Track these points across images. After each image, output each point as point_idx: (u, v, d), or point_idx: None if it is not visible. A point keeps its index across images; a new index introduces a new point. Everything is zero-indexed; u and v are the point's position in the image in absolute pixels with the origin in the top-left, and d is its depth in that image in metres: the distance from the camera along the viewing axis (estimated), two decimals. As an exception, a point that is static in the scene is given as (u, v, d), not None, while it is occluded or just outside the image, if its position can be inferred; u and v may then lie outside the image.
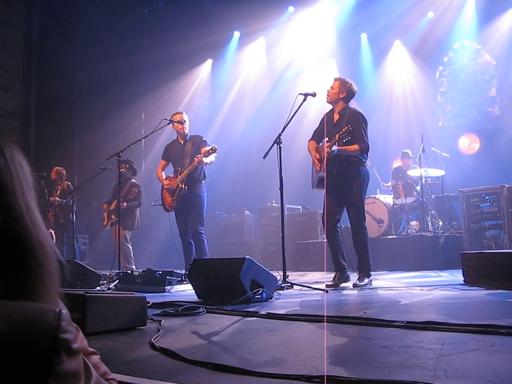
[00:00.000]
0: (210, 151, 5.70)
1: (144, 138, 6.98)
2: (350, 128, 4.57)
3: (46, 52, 10.63)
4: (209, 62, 12.30)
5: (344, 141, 4.60)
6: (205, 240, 5.95)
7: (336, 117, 4.99)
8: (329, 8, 10.88)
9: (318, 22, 11.02)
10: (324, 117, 5.14)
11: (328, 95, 5.00)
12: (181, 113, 6.27)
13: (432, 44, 10.40)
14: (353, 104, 5.24)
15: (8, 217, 0.70)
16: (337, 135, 4.63)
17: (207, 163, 5.83)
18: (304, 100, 4.87)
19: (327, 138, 4.78)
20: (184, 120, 6.10)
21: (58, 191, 8.40)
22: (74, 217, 8.14)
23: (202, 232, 5.94)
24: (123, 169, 7.15)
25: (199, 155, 5.72)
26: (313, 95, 4.88)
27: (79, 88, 11.16)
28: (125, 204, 7.31)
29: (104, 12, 11.32)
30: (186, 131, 6.13)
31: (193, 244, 5.97)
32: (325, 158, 4.70)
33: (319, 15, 10.98)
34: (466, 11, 10.00)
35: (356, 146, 4.69)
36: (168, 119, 6.10)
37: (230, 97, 11.96)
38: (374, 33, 10.78)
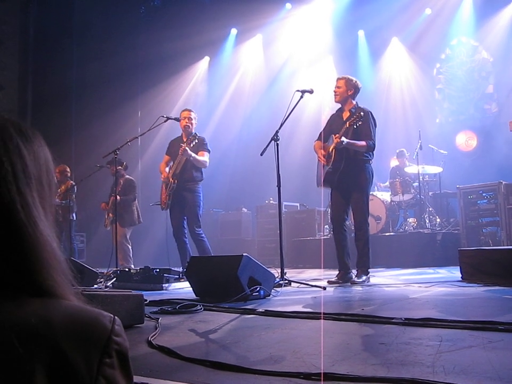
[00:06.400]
0: (192, 138, 5.63)
1: (141, 135, 6.94)
2: (362, 113, 4.59)
3: (42, 49, 10.59)
4: (206, 59, 12.27)
5: (355, 126, 4.64)
6: (204, 239, 5.87)
7: (347, 114, 5.01)
8: (326, 5, 10.89)
9: (315, 19, 11.03)
10: (330, 117, 5.18)
11: (336, 95, 5.01)
12: (188, 110, 6.10)
13: (429, 41, 10.40)
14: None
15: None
16: (348, 122, 4.67)
17: (190, 155, 5.60)
18: (302, 96, 4.87)
19: (333, 135, 4.79)
20: (182, 118, 6.02)
21: (62, 191, 8.05)
22: (75, 217, 8.08)
23: (200, 232, 5.85)
24: (120, 167, 7.11)
25: (183, 144, 5.60)
26: (311, 91, 4.89)
27: (76, 86, 11.12)
28: (118, 196, 7.20)
29: (100, 9, 11.27)
30: (190, 129, 5.98)
31: (187, 242, 5.93)
32: (333, 149, 4.72)
33: (316, 12, 10.98)
34: (464, 8, 10.01)
35: (363, 143, 4.75)
36: (164, 116, 5.99)
37: (227, 94, 11.93)
38: (371, 30, 10.78)
